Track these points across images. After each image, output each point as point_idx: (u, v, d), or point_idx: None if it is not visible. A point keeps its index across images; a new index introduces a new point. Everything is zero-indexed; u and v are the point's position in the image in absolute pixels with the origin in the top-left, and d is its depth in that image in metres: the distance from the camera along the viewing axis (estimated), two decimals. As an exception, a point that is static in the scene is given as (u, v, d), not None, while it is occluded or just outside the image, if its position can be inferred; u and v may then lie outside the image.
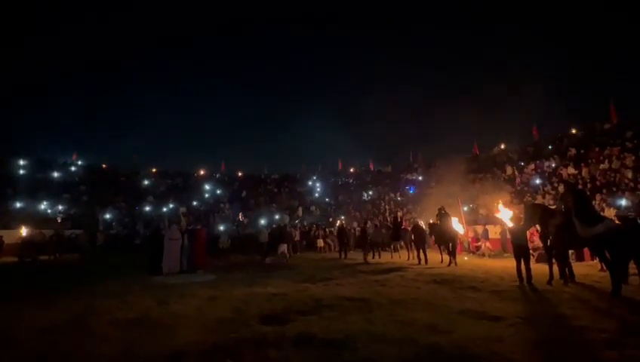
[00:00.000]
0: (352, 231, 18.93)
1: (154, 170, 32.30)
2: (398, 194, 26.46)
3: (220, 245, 16.21)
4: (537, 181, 17.85)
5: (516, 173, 20.05)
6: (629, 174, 14.08)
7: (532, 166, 19.73)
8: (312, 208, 27.27)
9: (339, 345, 3.31)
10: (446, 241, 11.19)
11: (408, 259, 12.40)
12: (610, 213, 11.22)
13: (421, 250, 11.26)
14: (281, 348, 3.30)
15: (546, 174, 18.22)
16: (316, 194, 31.22)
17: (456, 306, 4.96)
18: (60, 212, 22.71)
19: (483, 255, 13.23)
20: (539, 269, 7.67)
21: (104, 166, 31.69)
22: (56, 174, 27.63)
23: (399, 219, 14.69)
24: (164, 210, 25.16)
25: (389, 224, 15.64)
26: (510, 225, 8.24)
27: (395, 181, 29.45)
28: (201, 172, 33.53)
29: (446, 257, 10.96)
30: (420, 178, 27.90)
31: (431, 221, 13.18)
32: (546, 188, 16.35)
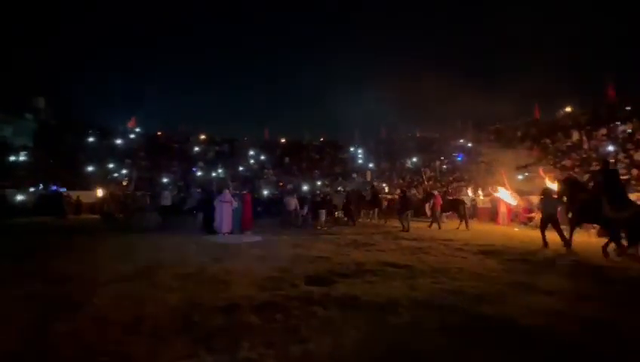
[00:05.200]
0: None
1: (203, 136, 33.96)
2: (445, 161, 25.31)
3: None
4: (609, 148, 15.94)
5: (584, 138, 18.03)
6: None
7: (604, 130, 17.58)
8: (354, 175, 27.21)
9: (383, 309, 3.39)
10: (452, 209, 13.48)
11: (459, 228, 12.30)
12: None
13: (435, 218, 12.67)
14: (326, 306, 3.46)
15: (620, 140, 16.17)
16: (359, 161, 30.97)
17: (505, 277, 4.79)
18: (124, 175, 25.12)
19: (537, 227, 12.41)
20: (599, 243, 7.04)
21: (159, 133, 33.94)
22: (119, 141, 30.25)
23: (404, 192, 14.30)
24: (213, 174, 26.66)
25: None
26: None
27: (442, 148, 28.11)
28: (246, 138, 34.62)
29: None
30: (470, 144, 26.30)
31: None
32: (617, 156, 14.58)
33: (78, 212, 17.72)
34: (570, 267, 5.66)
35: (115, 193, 19.04)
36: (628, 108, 18.57)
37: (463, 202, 13.56)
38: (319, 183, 25.09)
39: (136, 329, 2.90)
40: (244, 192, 12.81)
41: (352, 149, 32.59)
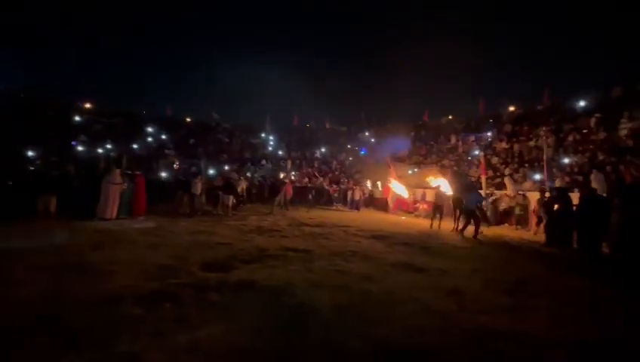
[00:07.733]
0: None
1: (88, 105, 28.79)
2: (348, 154, 27.02)
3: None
4: (476, 152, 19.37)
5: (460, 142, 21.50)
6: (550, 152, 15.87)
7: (472, 138, 21.26)
8: (264, 161, 26.90)
9: (278, 291, 3.51)
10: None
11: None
12: (528, 185, 12.83)
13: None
14: (221, 292, 3.41)
15: (484, 146, 19.80)
16: (269, 148, 30.70)
17: (390, 258, 5.47)
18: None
19: (419, 216, 14.43)
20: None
21: (23, 95, 27.40)
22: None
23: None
24: (100, 151, 23.08)
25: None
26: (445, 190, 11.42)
27: (349, 141, 29.93)
28: (144, 112, 30.76)
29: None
30: (373, 140, 28.64)
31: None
32: (480, 159, 17.86)
33: None
34: (443, 249, 6.78)
35: None
36: (490, 120, 22.88)
37: (309, 191, 17.74)
38: (227, 168, 24.03)
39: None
40: (137, 173, 11.37)
41: (263, 135, 32.07)
